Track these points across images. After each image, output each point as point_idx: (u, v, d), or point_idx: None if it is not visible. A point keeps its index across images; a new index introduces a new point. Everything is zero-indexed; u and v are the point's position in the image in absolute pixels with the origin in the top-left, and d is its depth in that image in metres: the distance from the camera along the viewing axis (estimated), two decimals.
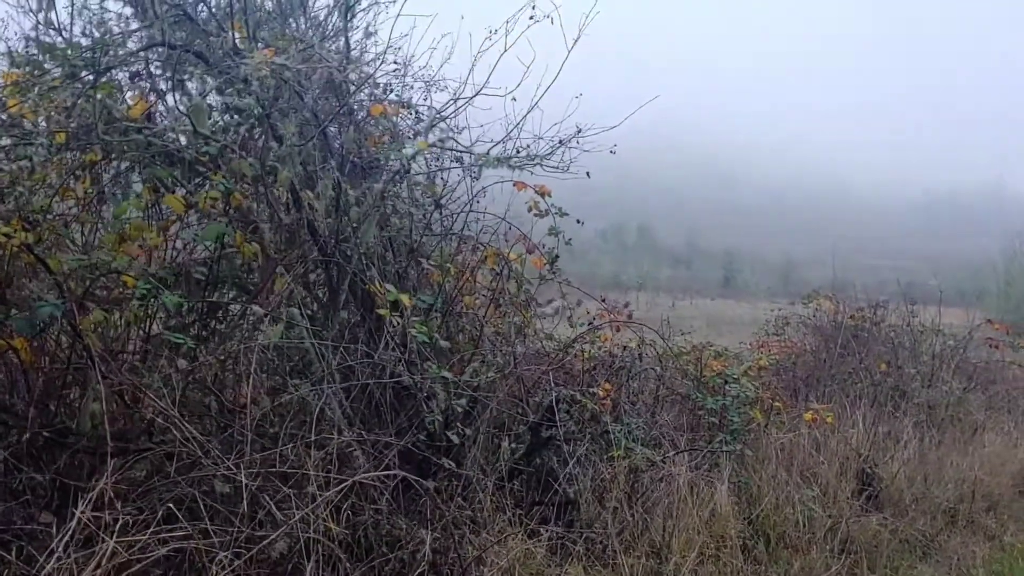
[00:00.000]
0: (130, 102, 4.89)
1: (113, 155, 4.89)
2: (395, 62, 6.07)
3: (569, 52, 5.19)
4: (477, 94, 5.27)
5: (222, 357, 4.30)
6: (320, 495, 3.94)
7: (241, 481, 3.84)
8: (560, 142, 5.47)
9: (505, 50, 5.08)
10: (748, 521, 6.06)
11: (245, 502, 3.59)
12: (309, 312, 4.93)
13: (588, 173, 5.64)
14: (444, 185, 5.77)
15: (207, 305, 4.96)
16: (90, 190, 4.91)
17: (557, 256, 6.54)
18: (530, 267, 6.67)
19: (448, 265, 5.86)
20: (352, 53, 6.27)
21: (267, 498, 3.76)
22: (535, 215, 6.43)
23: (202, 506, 3.69)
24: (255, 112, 4.16)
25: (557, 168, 5.53)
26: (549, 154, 5.45)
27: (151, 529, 3.40)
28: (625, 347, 7.37)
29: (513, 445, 5.51)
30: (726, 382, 7.08)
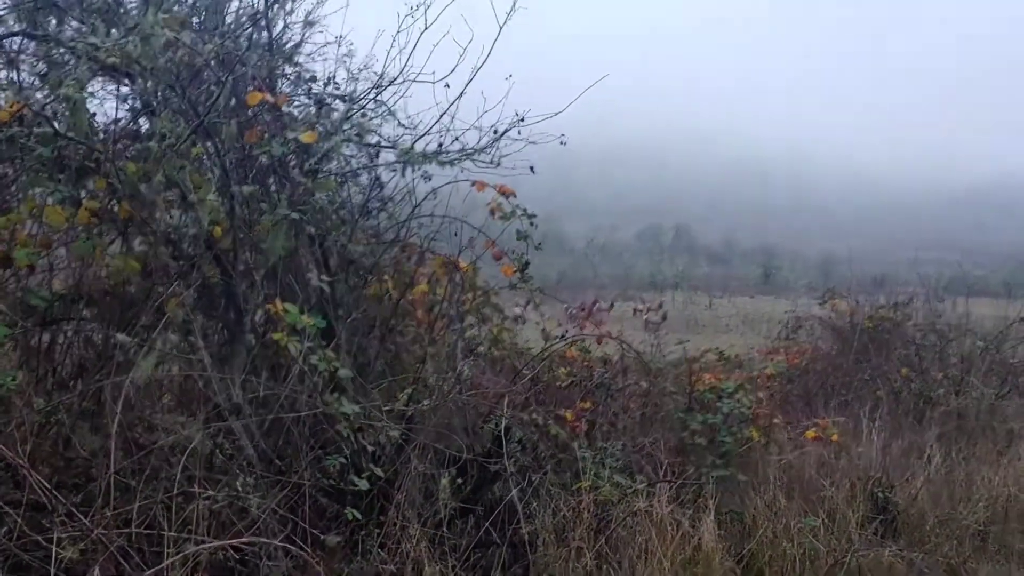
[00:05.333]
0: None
1: None
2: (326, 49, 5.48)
3: (500, 29, 4.50)
4: (393, 81, 4.61)
5: (81, 396, 3.67)
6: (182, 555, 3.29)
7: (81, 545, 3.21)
8: (495, 131, 4.77)
9: (426, 27, 4.42)
10: (738, 559, 5.31)
11: (55, 569, 2.93)
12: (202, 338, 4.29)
13: (532, 168, 4.95)
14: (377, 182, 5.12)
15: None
16: None
17: (528, 263, 5.89)
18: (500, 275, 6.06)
19: (386, 278, 5.22)
20: (287, 45, 5.69)
21: (104, 567, 3.11)
22: (500, 218, 5.79)
23: None
24: (74, 98, 3.53)
25: (490, 163, 4.83)
26: (487, 147, 4.73)
27: None
28: (606, 361, 6.67)
29: (459, 481, 4.82)
30: (719, 398, 6.32)
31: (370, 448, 4.17)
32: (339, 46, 5.76)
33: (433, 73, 4.71)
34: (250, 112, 4.06)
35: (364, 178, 5.67)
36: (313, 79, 5.59)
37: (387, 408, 4.66)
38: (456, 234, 5.47)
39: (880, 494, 6.25)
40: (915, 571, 5.77)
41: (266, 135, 4.09)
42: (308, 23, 5.79)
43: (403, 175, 4.85)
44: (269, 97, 3.98)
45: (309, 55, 5.82)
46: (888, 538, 6.08)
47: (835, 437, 6.34)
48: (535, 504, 4.93)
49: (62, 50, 4.27)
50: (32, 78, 4.44)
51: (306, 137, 4.08)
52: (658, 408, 6.52)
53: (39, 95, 4.36)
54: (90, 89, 4.26)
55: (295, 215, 4.05)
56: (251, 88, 4.15)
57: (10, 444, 3.56)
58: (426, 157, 4.56)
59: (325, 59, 5.72)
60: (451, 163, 4.59)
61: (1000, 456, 7.83)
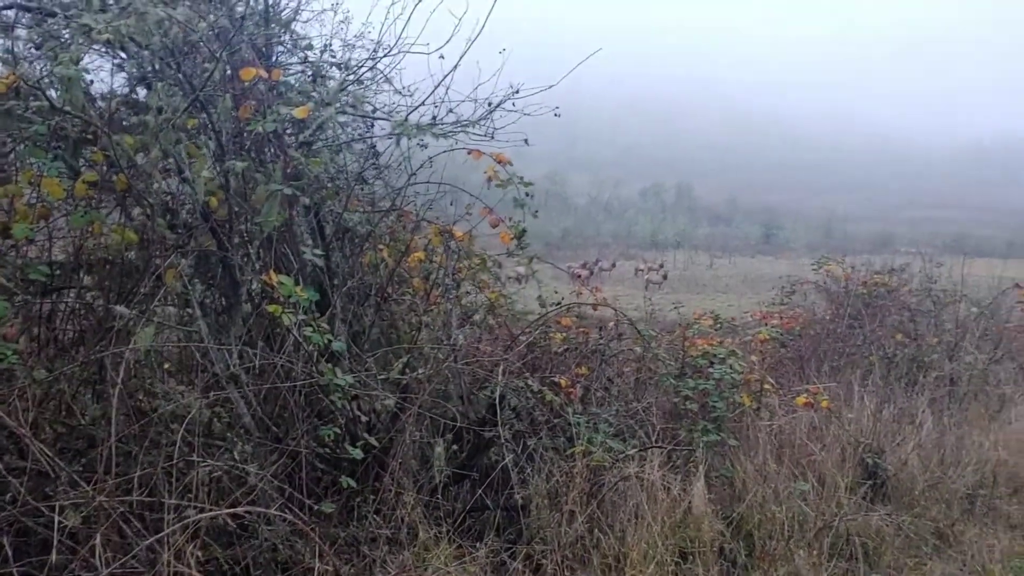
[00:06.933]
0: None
1: None
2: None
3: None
4: (388, 52, 4.62)
5: (82, 364, 3.74)
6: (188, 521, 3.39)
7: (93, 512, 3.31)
8: (489, 104, 4.78)
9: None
10: (728, 522, 5.41)
11: (57, 535, 3.03)
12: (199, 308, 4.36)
13: (527, 140, 4.97)
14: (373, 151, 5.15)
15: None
16: None
17: (524, 230, 5.93)
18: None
19: (381, 246, 5.27)
20: (283, 12, 5.67)
21: (106, 534, 3.21)
22: (497, 186, 5.83)
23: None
24: (69, 75, 3.55)
25: (485, 136, 4.85)
26: (482, 119, 4.75)
27: None
28: (602, 326, 6.74)
29: (454, 448, 4.92)
30: (711, 363, 6.39)
31: (364, 418, 4.25)
32: (335, 13, 5.78)
33: (427, 44, 4.72)
34: (245, 84, 4.07)
35: (360, 146, 5.70)
36: (309, 47, 5.60)
37: (382, 377, 4.73)
38: (452, 203, 5.51)
39: (870, 459, 6.35)
40: (903, 534, 5.88)
41: (261, 107, 4.11)
42: None
43: (398, 144, 4.87)
44: (263, 73, 3.99)
45: (306, 22, 5.83)
46: (877, 502, 6.18)
47: (825, 404, 6.42)
48: (529, 469, 5.02)
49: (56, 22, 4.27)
50: (28, 46, 4.45)
51: (299, 112, 4.11)
52: (652, 373, 6.60)
53: (36, 65, 4.39)
54: (86, 61, 4.27)
55: (287, 190, 4.09)
56: (246, 61, 4.17)
57: (12, 413, 3.64)
58: (420, 129, 4.58)
59: (322, 25, 5.74)
60: (446, 135, 4.60)
61: (991, 421, 7.95)
